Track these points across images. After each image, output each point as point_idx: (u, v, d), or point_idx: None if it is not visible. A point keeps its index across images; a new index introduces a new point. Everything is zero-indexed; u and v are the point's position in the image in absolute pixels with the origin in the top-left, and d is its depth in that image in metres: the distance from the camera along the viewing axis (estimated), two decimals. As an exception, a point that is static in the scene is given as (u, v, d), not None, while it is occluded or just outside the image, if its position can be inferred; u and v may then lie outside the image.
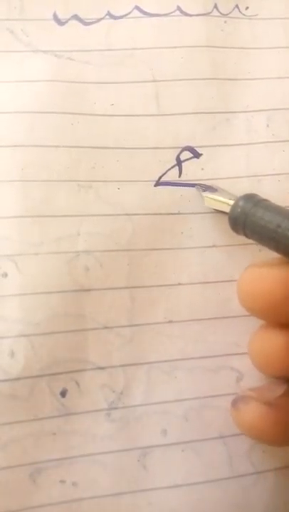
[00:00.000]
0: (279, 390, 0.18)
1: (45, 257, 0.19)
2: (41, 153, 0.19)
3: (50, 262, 0.19)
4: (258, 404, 0.18)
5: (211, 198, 0.19)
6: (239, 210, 0.18)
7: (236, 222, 0.18)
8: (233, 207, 0.18)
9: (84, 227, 0.19)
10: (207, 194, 0.19)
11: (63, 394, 0.19)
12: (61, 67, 0.20)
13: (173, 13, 0.21)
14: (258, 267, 0.18)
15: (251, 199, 0.18)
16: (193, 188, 0.20)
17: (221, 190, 0.19)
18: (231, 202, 0.18)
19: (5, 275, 0.19)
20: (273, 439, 0.18)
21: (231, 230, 0.19)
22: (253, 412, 0.18)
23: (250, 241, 0.20)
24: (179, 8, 0.21)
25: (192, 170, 0.20)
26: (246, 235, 0.18)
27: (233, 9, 0.21)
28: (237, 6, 0.21)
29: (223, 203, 0.19)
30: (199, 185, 0.20)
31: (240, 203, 0.18)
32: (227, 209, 0.18)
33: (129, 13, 0.21)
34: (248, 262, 0.20)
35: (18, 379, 0.18)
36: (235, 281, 0.20)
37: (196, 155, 0.20)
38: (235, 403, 0.18)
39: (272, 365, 0.18)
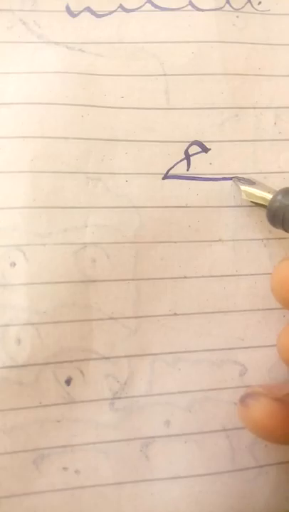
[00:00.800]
0: (287, 387, 0.18)
1: (53, 247, 0.19)
2: (51, 144, 0.19)
3: (57, 253, 0.19)
4: (268, 400, 0.17)
5: (249, 192, 0.19)
6: (278, 204, 0.18)
7: (275, 215, 0.18)
8: (272, 201, 0.18)
9: (91, 219, 0.19)
10: (245, 187, 0.19)
11: (68, 382, 0.19)
12: (73, 59, 0.20)
13: (185, 8, 0.21)
14: None
15: None
16: (201, 182, 0.20)
17: (259, 183, 0.19)
18: (270, 196, 0.18)
19: (13, 264, 0.19)
20: (282, 438, 0.18)
21: (269, 223, 0.19)
22: (263, 409, 0.17)
23: (257, 236, 0.20)
24: (190, 3, 0.21)
25: (200, 164, 0.20)
26: (285, 229, 0.18)
27: (246, 4, 0.21)
28: (249, 1, 0.21)
29: (261, 196, 0.19)
30: (237, 177, 0.20)
31: (279, 197, 0.18)
32: (265, 202, 0.18)
33: (142, 6, 0.21)
34: (254, 257, 0.20)
35: (24, 366, 0.18)
36: (240, 275, 0.20)
37: (205, 149, 0.20)
38: (243, 399, 0.18)
39: None
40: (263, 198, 0.19)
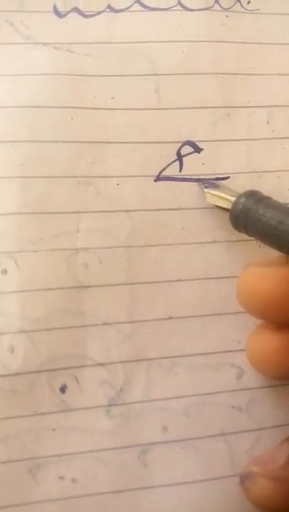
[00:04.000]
0: (281, 457, 0.18)
1: (45, 254, 0.19)
2: (40, 148, 0.19)
3: (49, 259, 0.19)
4: (264, 481, 0.18)
5: (213, 194, 0.19)
6: (241, 207, 0.18)
7: (237, 219, 0.18)
8: (235, 204, 0.18)
9: (83, 224, 0.19)
10: (209, 190, 0.19)
11: (63, 390, 0.19)
12: (61, 60, 0.20)
13: (174, 8, 0.21)
14: (257, 266, 0.18)
15: (253, 196, 0.18)
16: (194, 183, 0.20)
17: (223, 186, 0.19)
18: (233, 198, 0.18)
19: (5, 272, 0.19)
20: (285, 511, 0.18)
21: (233, 227, 0.18)
22: (262, 490, 0.18)
23: (251, 237, 0.20)
24: (180, 3, 0.21)
25: (193, 165, 0.20)
26: (247, 233, 0.18)
27: (235, 3, 0.21)
28: (238, 1, 0.21)
29: (225, 199, 0.19)
30: (201, 181, 0.20)
31: (242, 200, 0.18)
32: (229, 206, 0.18)
33: (130, 6, 0.20)
34: (249, 258, 0.20)
35: (17, 374, 0.18)
36: (236, 277, 0.19)
37: (197, 150, 0.20)
38: (242, 481, 0.18)
39: (270, 365, 0.18)
40: (226, 201, 0.18)
